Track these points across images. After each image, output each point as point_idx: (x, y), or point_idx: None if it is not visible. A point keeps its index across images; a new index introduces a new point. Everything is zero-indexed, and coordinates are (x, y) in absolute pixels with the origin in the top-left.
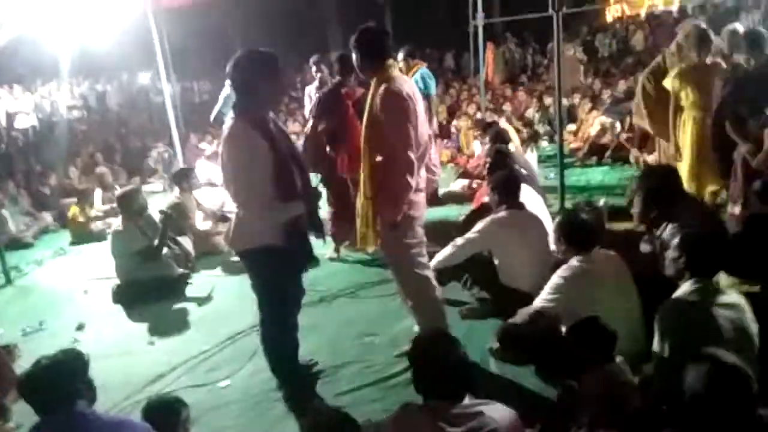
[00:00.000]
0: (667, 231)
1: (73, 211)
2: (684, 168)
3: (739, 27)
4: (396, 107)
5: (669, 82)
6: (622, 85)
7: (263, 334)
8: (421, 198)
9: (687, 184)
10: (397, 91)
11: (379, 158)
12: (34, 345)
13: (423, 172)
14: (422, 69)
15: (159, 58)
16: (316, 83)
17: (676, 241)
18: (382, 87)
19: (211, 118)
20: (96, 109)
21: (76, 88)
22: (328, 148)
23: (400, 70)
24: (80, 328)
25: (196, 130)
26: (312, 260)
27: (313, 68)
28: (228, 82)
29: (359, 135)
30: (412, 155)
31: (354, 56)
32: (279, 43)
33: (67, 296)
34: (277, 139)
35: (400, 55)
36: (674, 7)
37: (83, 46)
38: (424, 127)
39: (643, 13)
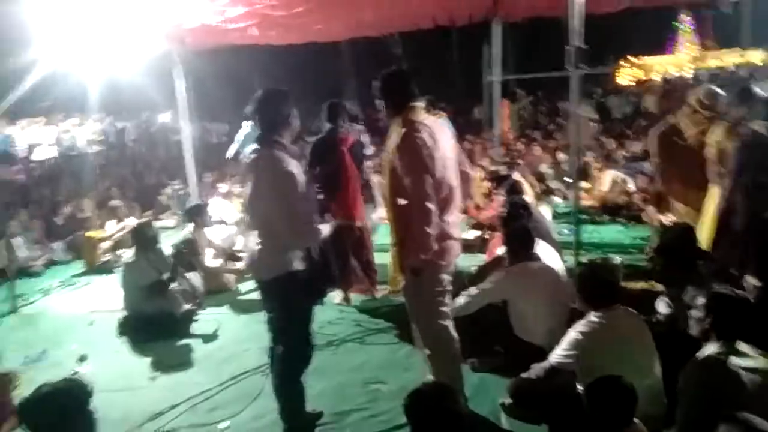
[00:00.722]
0: (688, 291)
1: (85, 239)
2: (705, 233)
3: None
4: (412, 155)
5: (714, 138)
6: (636, 146)
7: (279, 371)
8: (449, 245)
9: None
10: (415, 137)
11: (401, 202)
12: (34, 374)
13: (453, 218)
14: (441, 119)
15: (179, 98)
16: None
17: (702, 300)
18: (402, 132)
19: (228, 155)
20: (115, 144)
21: (98, 124)
22: (322, 195)
23: None
24: (82, 359)
25: (212, 169)
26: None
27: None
28: (247, 122)
29: (355, 180)
30: (429, 205)
31: (379, 99)
32: (296, 90)
33: (72, 327)
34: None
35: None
36: (687, 74)
37: (108, 84)
38: (450, 170)
39: (655, 77)
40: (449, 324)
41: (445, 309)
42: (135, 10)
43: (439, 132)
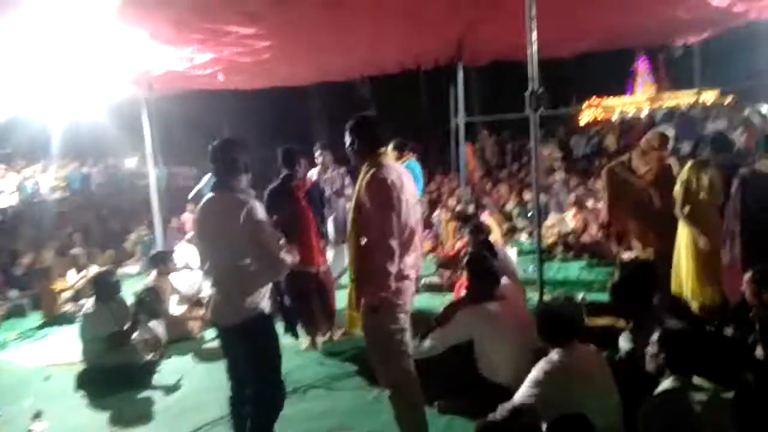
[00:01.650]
0: (646, 327)
1: (44, 290)
2: (685, 270)
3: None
4: (380, 194)
5: (684, 174)
6: (597, 184)
7: (254, 421)
8: (406, 285)
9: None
10: (383, 178)
11: (363, 241)
12: None
13: (411, 259)
14: (410, 160)
15: (147, 143)
16: (318, 168)
17: (655, 336)
18: (370, 173)
19: (190, 196)
20: (79, 190)
21: (61, 170)
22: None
23: None
24: (37, 416)
25: (178, 213)
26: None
27: (318, 153)
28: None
29: (311, 225)
30: (392, 242)
31: (348, 141)
32: (264, 134)
33: (28, 381)
34: None
35: (390, 147)
36: (643, 114)
37: (72, 129)
38: (412, 215)
39: (614, 117)
40: (409, 363)
41: (403, 348)
42: (102, 56)
43: (405, 176)
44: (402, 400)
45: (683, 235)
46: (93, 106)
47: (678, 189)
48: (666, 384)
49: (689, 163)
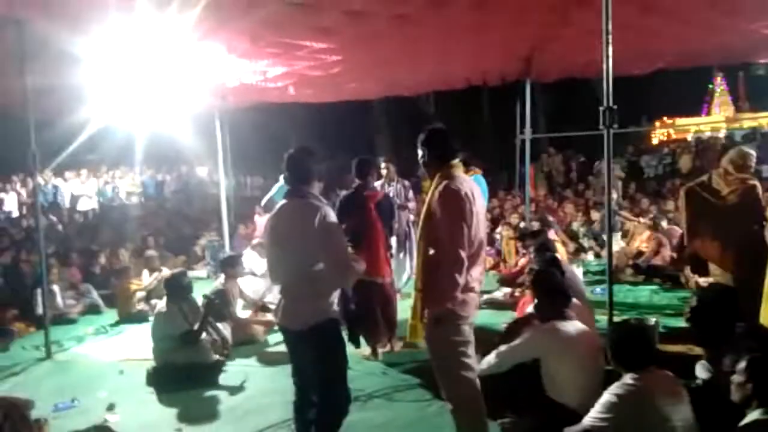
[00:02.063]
0: (728, 355)
1: (120, 289)
2: None
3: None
4: (452, 205)
5: None
6: (669, 205)
7: (318, 425)
8: (471, 297)
9: None
10: (456, 189)
11: (431, 252)
12: (64, 422)
13: (477, 273)
14: (476, 175)
15: (219, 153)
16: (383, 180)
17: (743, 365)
18: (443, 184)
19: (262, 203)
20: (153, 196)
21: (138, 177)
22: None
23: None
24: (111, 408)
25: (246, 221)
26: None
27: (382, 166)
28: (282, 176)
29: (380, 236)
30: (462, 253)
31: (421, 153)
32: (330, 146)
33: (103, 375)
34: None
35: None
36: (722, 134)
37: (150, 138)
38: (481, 228)
39: (689, 137)
40: (473, 377)
41: (468, 361)
42: (181, 70)
43: (476, 190)
44: (464, 414)
45: None
46: (170, 116)
47: None
48: (754, 415)
49: None
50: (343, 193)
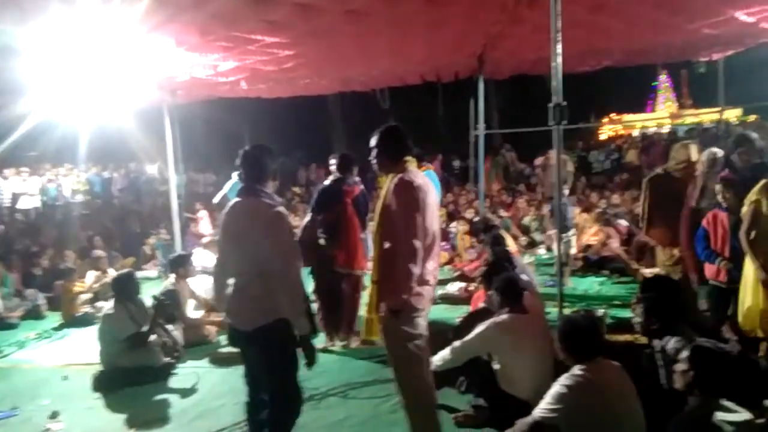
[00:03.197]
0: (671, 344)
1: (63, 290)
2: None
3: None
4: (406, 195)
5: (754, 195)
6: (616, 199)
7: (271, 426)
8: (426, 291)
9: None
10: (410, 180)
11: (387, 245)
12: (4, 431)
13: (431, 265)
14: (428, 171)
15: (169, 149)
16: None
17: (685, 353)
18: (397, 177)
19: (215, 200)
20: (100, 194)
21: (83, 174)
22: (324, 242)
23: None
24: (54, 416)
25: (196, 219)
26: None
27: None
28: (236, 173)
29: (356, 230)
30: (417, 243)
31: (375, 152)
32: (286, 141)
33: (46, 381)
34: None
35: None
36: (665, 129)
37: (96, 134)
38: (435, 222)
39: (635, 133)
40: (425, 370)
41: (420, 354)
42: (127, 63)
43: (428, 184)
44: (415, 407)
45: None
46: (117, 111)
47: (746, 210)
48: (695, 403)
49: (761, 183)
50: (322, 185)
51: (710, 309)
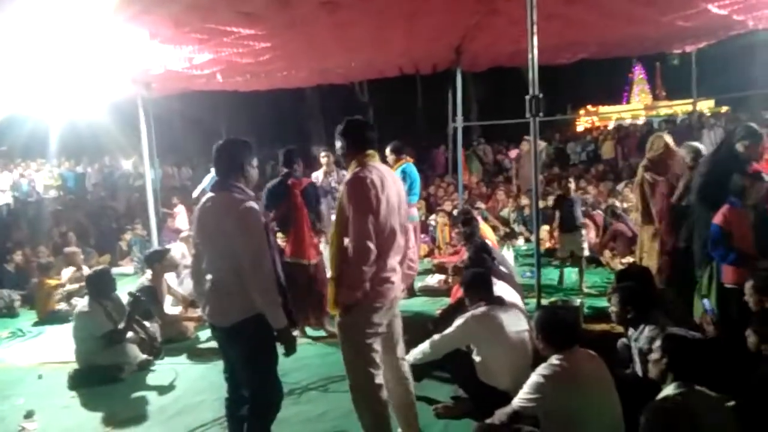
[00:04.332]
0: (645, 333)
1: (38, 287)
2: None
3: (701, 146)
4: (356, 195)
5: None
6: (592, 190)
7: (250, 422)
8: (386, 288)
9: None
10: (362, 177)
11: (345, 242)
12: None
13: (394, 260)
14: (406, 164)
15: (144, 143)
16: (324, 169)
17: (658, 342)
18: (350, 173)
19: (194, 194)
20: (74, 190)
21: (56, 169)
22: (279, 235)
23: (386, 162)
24: (29, 415)
25: (173, 214)
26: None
27: (323, 155)
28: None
29: (305, 221)
30: (369, 243)
31: (338, 144)
32: (263, 135)
33: (20, 380)
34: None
35: (387, 150)
36: (641, 121)
37: (69, 128)
38: (395, 216)
39: (611, 125)
40: (377, 373)
41: (372, 353)
42: (101, 55)
43: (389, 177)
44: (362, 405)
45: None
46: (90, 104)
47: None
48: (668, 390)
49: None
50: (271, 182)
51: (729, 316)
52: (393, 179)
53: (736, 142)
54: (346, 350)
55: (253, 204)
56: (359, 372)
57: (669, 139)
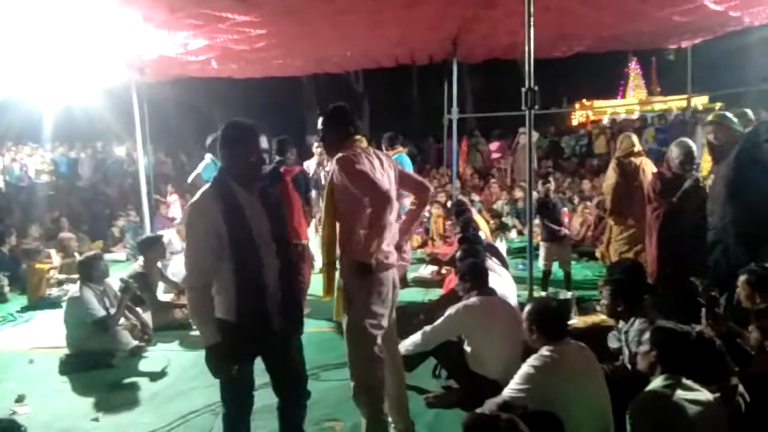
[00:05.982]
0: (635, 325)
1: (29, 271)
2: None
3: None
4: (347, 165)
5: None
6: (586, 184)
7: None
8: (391, 251)
9: None
10: (345, 155)
11: (340, 224)
12: None
13: (388, 248)
14: (400, 154)
15: (137, 129)
16: (316, 158)
17: (647, 335)
18: (338, 156)
19: (189, 180)
20: (66, 175)
21: (48, 153)
22: None
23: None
24: (20, 399)
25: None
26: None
27: (315, 145)
28: (209, 154)
29: (297, 204)
30: (382, 190)
31: (322, 131)
32: (258, 124)
33: (10, 364)
34: (238, 211)
35: (384, 140)
36: (635, 116)
37: (62, 113)
38: (386, 181)
39: (605, 119)
40: (379, 366)
41: (377, 351)
42: (95, 40)
43: (377, 161)
44: (363, 397)
45: None
46: (83, 89)
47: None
48: (657, 382)
49: None
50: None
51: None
52: (388, 164)
53: (763, 145)
54: (350, 329)
55: (208, 212)
56: (363, 366)
57: (636, 139)
